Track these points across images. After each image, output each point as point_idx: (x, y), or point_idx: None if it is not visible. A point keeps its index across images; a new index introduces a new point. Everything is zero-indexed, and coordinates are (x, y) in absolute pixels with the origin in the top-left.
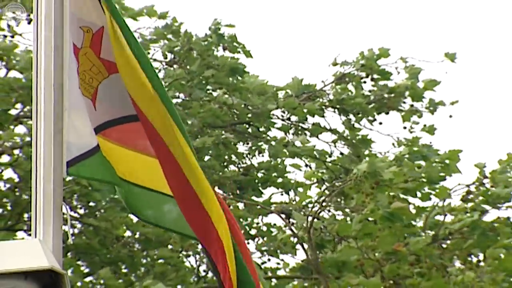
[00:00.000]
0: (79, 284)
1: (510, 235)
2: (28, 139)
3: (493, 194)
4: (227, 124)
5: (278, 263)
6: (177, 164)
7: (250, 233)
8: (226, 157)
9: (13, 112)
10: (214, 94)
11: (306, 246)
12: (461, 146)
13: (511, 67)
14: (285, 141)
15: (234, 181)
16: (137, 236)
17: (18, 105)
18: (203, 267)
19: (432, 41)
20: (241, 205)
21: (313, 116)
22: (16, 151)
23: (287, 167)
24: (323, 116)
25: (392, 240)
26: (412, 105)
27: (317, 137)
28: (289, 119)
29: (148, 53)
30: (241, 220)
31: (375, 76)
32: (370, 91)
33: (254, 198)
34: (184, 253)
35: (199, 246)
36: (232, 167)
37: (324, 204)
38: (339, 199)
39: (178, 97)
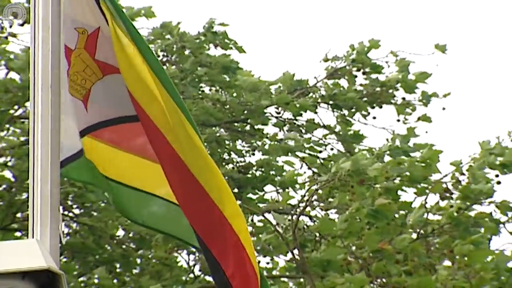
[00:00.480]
0: (72, 284)
1: (494, 230)
2: (22, 139)
3: (474, 190)
4: (221, 122)
5: (268, 263)
6: (181, 161)
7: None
8: (221, 155)
9: (10, 112)
10: (207, 91)
11: (291, 246)
12: (454, 140)
13: (502, 59)
14: (278, 138)
15: (232, 179)
16: (131, 235)
17: (14, 106)
18: (198, 267)
19: (422, 34)
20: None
21: (306, 112)
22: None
23: (284, 165)
24: (315, 112)
25: (378, 238)
26: (404, 98)
27: (312, 133)
28: (281, 115)
29: None
30: None
31: (367, 69)
32: (361, 85)
33: (251, 196)
34: (178, 252)
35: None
36: (228, 165)
37: (308, 203)
38: (328, 198)
39: None
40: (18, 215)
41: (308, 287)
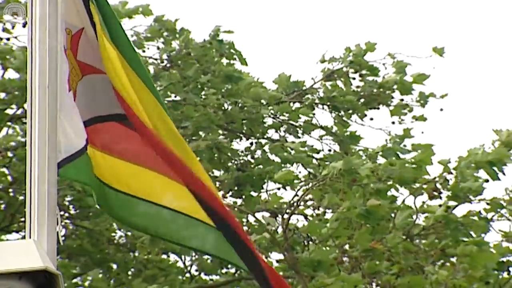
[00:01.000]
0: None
1: (484, 228)
2: (22, 140)
3: (463, 188)
4: (222, 128)
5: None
6: (176, 156)
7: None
8: (221, 160)
9: (8, 112)
10: (209, 98)
11: (282, 246)
12: (450, 140)
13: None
14: (280, 147)
15: (231, 177)
16: (128, 233)
17: (13, 106)
18: (194, 267)
19: (420, 36)
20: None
21: (302, 116)
22: (9, 153)
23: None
24: (313, 114)
25: (370, 238)
26: (401, 100)
27: (309, 134)
28: (278, 117)
29: (144, 51)
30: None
31: (364, 72)
32: (358, 86)
33: (252, 193)
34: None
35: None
36: (228, 166)
37: (299, 203)
38: (321, 200)
39: (171, 98)
40: (18, 216)
41: (299, 287)
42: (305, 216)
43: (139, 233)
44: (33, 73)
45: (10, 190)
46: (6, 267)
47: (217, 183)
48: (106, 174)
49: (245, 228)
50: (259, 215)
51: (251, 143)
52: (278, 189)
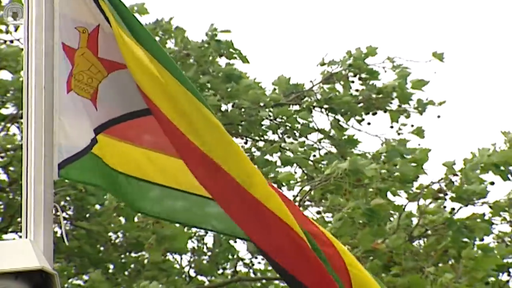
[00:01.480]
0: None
1: (487, 231)
2: (20, 140)
3: (467, 191)
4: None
5: (259, 262)
6: (199, 151)
7: None
8: None
9: (5, 112)
10: (208, 100)
11: None
12: (449, 146)
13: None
14: (278, 148)
15: None
16: (127, 234)
17: (10, 106)
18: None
19: (420, 40)
20: None
21: (301, 122)
22: (9, 153)
23: (278, 162)
24: (311, 119)
25: (372, 238)
26: (400, 106)
27: (306, 137)
28: (276, 119)
29: None
30: None
31: (363, 75)
32: (357, 90)
33: None
34: (173, 255)
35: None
36: None
37: (300, 203)
38: (321, 200)
39: None
40: (17, 217)
41: None
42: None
43: (137, 233)
44: (29, 73)
45: (9, 190)
46: (2, 267)
47: None
48: (148, 170)
49: None
50: None
51: (246, 142)
52: None
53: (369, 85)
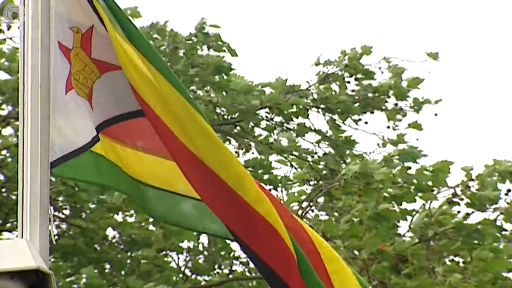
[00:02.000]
0: (60, 283)
1: (496, 237)
2: (15, 140)
3: (480, 196)
4: (213, 123)
5: None
6: (192, 154)
7: None
8: None
9: (1, 113)
10: (199, 93)
11: None
12: (446, 146)
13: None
14: (270, 140)
15: None
16: (123, 236)
17: (6, 106)
18: (190, 265)
19: (415, 40)
20: None
21: (297, 118)
22: (3, 152)
23: (273, 163)
24: (307, 117)
25: (379, 241)
26: (396, 104)
27: (303, 137)
28: (273, 119)
29: None
30: None
31: (359, 75)
32: (353, 90)
33: None
34: (169, 252)
35: (183, 245)
36: None
37: (311, 203)
38: (325, 199)
39: None
40: (12, 216)
41: None
42: (301, 217)
43: (134, 232)
44: (25, 72)
45: (3, 189)
46: None
47: None
48: (137, 170)
49: None
50: None
51: (241, 143)
52: (269, 190)
53: (365, 85)
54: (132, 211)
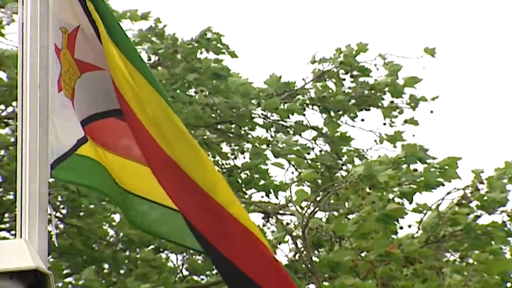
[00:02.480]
0: (59, 284)
1: (504, 240)
2: (12, 140)
3: (488, 199)
4: (210, 124)
5: None
6: (167, 157)
7: None
8: (210, 157)
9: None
10: (196, 97)
11: (299, 245)
12: (444, 143)
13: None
14: (268, 141)
15: None
16: (120, 235)
17: (1, 106)
18: (187, 266)
19: (410, 37)
20: None
21: (293, 114)
22: (0, 152)
23: (270, 168)
24: (303, 115)
25: (386, 242)
26: (392, 102)
27: (300, 135)
28: (269, 117)
29: None
30: None
31: (355, 73)
32: (349, 87)
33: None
34: (167, 253)
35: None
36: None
37: (320, 204)
38: (331, 200)
39: None
40: (6, 216)
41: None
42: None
43: (131, 231)
44: (24, 72)
45: (0, 189)
46: None
47: None
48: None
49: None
50: (254, 216)
51: (233, 149)
52: (262, 197)
53: (361, 83)
54: None
